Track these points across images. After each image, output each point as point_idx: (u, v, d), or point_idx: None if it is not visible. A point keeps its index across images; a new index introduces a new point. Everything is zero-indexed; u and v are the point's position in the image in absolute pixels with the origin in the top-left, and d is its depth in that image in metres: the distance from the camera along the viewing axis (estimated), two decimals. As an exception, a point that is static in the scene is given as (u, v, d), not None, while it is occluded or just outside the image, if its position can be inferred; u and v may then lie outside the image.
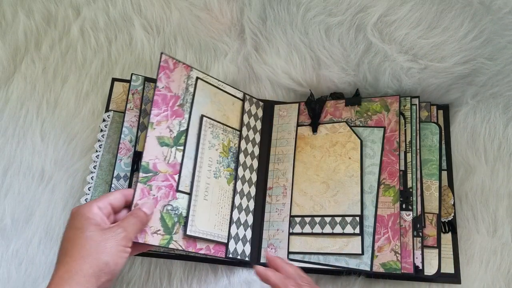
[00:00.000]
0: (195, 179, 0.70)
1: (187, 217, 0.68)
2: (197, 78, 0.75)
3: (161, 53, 0.72)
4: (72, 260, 0.54)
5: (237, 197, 0.74)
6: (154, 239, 0.66)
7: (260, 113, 0.81)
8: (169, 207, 0.68)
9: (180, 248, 0.67)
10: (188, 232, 0.68)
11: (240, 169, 0.76)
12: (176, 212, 0.68)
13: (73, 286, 0.53)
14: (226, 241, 0.72)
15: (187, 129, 0.72)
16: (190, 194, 0.70)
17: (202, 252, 0.69)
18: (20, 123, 0.79)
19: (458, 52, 0.75)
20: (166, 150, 0.70)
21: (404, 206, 0.71)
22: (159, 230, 0.66)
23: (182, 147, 0.71)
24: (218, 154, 0.74)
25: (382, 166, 0.74)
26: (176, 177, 0.70)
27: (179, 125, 0.72)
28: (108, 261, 0.56)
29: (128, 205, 0.64)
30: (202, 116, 0.73)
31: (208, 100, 0.75)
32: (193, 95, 0.74)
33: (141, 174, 0.67)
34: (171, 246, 0.67)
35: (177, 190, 0.69)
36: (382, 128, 0.76)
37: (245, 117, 0.79)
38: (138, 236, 0.67)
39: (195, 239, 0.69)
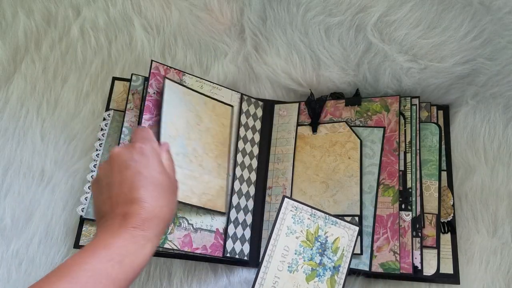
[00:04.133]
0: (261, 270, 0.59)
1: None
2: (165, 78, 0.74)
3: (152, 61, 0.74)
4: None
5: (235, 196, 0.75)
6: None
7: (259, 113, 0.81)
8: None
9: (175, 248, 0.68)
10: None
11: (238, 169, 0.76)
12: None
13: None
14: None
15: (159, 120, 0.71)
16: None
17: (198, 251, 0.69)
18: (20, 123, 0.79)
19: (458, 52, 0.75)
20: None
21: (403, 206, 0.71)
22: None
23: None
24: (298, 242, 0.61)
25: (382, 166, 0.74)
26: None
27: None
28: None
29: None
30: (284, 198, 0.62)
31: (178, 100, 0.74)
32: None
33: None
34: (166, 246, 0.67)
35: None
36: (382, 128, 0.76)
37: (243, 117, 0.79)
38: None
39: (190, 238, 0.69)
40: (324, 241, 0.62)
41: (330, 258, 0.61)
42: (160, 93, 0.73)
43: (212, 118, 0.76)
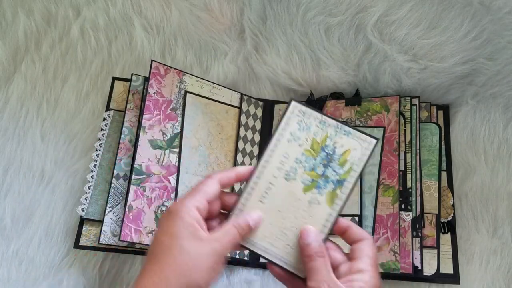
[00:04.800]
0: (255, 174, 0.54)
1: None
2: (186, 92, 0.76)
3: (152, 61, 0.74)
4: (161, 271, 0.47)
5: None
6: (149, 239, 0.67)
7: (259, 113, 0.81)
8: (164, 208, 0.69)
9: None
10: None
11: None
12: None
13: None
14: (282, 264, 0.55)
15: (181, 132, 0.73)
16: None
17: None
18: (20, 123, 0.79)
19: (458, 52, 0.75)
20: (159, 153, 0.71)
21: (403, 206, 0.71)
22: (154, 230, 0.67)
23: (176, 149, 0.72)
24: (301, 151, 0.55)
25: (382, 166, 0.74)
26: (171, 178, 0.70)
27: (172, 128, 0.73)
28: (199, 283, 0.47)
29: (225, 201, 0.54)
30: (291, 100, 0.55)
31: (199, 111, 0.76)
32: (183, 110, 0.75)
33: (134, 176, 0.68)
34: None
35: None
36: (382, 128, 0.76)
37: (243, 117, 0.79)
38: (133, 235, 0.67)
39: None
40: (331, 152, 0.54)
41: (335, 171, 0.55)
42: (158, 93, 0.73)
43: (234, 126, 0.79)
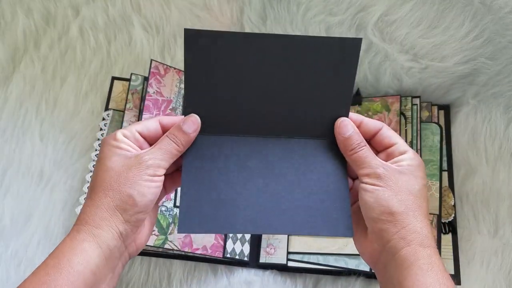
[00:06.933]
0: None
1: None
2: None
3: (151, 60, 0.73)
4: (95, 194, 0.49)
5: None
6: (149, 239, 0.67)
7: (260, 113, 0.81)
8: (163, 208, 0.69)
9: (176, 248, 0.68)
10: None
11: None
12: (171, 212, 0.69)
13: (97, 221, 0.48)
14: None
15: None
16: None
17: (198, 252, 0.69)
18: (19, 123, 0.79)
19: (459, 52, 0.74)
20: None
21: (404, 206, 0.71)
22: (153, 230, 0.67)
23: None
24: None
25: (382, 166, 0.73)
26: None
27: None
28: (131, 193, 0.48)
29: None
30: None
31: None
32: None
33: None
34: (166, 246, 0.67)
35: None
36: (383, 128, 0.75)
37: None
38: None
39: (191, 239, 0.69)
40: None
41: None
42: (160, 93, 0.73)
43: None
